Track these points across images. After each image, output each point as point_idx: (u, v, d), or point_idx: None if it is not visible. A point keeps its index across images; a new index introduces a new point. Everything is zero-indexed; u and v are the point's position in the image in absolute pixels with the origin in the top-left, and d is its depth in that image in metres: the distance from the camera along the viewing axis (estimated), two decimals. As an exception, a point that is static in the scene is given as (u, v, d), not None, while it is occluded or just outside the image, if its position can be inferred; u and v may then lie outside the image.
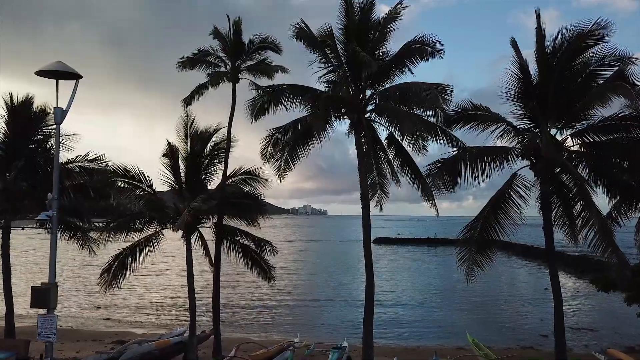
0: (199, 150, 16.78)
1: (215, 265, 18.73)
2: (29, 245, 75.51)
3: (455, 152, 15.48)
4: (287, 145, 16.23)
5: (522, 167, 14.33)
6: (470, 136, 15.58)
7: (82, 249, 19.47)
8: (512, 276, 54.86)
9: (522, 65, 13.91)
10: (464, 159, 14.20)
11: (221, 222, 18.40)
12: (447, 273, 53.93)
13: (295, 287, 43.06)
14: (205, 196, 15.26)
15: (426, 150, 14.23)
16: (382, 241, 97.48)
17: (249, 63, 20.99)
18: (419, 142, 14.23)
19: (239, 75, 20.87)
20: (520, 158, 14.51)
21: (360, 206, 16.47)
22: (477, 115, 15.44)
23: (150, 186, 16.15)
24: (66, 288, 41.20)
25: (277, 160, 16.51)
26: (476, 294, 39.76)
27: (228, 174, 17.76)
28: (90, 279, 45.46)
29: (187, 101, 20.76)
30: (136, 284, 43.77)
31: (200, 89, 20.79)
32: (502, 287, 46.19)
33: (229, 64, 20.86)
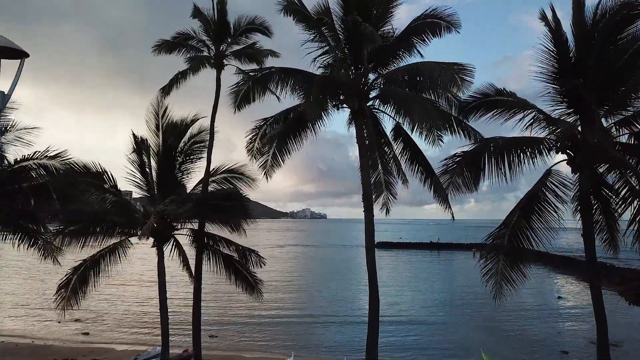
0: (173, 145, 14.41)
1: (196, 278, 16.36)
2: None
3: (476, 144, 13.16)
4: (275, 137, 13.80)
5: (557, 162, 11.98)
6: (489, 127, 13.32)
7: (44, 258, 17.09)
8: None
9: (559, 35, 11.58)
10: (488, 151, 11.83)
11: (202, 228, 16.06)
12: (452, 280, 51.59)
13: (290, 300, 39.93)
14: (176, 197, 12.90)
15: (442, 141, 11.90)
16: (383, 245, 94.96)
17: (235, 48, 18.71)
18: (433, 132, 11.85)
19: (224, 61, 18.59)
20: (554, 151, 12.16)
21: (363, 209, 14.12)
22: (499, 101, 13.10)
23: (115, 186, 13.77)
24: (47, 298, 38.71)
25: (263, 155, 14.08)
26: (482, 303, 37.47)
27: (212, 172, 15.39)
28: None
29: (166, 91, 18.45)
30: (123, 293, 41.36)
31: (180, 77, 18.47)
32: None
33: (212, 48, 18.58)
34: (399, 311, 34.19)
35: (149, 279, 48.90)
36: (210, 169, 15.51)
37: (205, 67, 17.88)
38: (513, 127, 12.70)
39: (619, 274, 47.88)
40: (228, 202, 14.43)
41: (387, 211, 11.89)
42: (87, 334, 29.57)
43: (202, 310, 30.80)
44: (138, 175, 13.95)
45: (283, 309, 35.34)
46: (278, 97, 17.82)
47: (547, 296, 41.42)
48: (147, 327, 30.51)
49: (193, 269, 16.05)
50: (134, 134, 13.60)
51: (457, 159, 11.95)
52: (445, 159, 11.99)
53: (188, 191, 15.39)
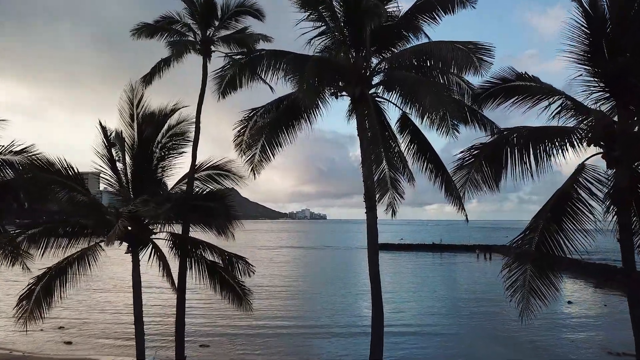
0: (150, 137, 12.82)
1: (179, 288, 14.82)
2: None
3: (493, 136, 11.61)
4: (265, 127, 12.20)
5: (591, 156, 10.39)
6: (506, 118, 11.74)
7: (12, 265, 15.50)
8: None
9: (594, 7, 10.01)
10: (511, 143, 10.25)
11: (187, 231, 14.49)
12: (457, 284, 49.82)
13: (288, 307, 37.44)
14: (150, 196, 11.31)
15: (457, 131, 10.33)
16: (384, 247, 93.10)
17: (224, 33, 17.16)
18: (447, 121, 10.27)
19: (212, 47, 17.03)
20: (586, 143, 10.58)
21: (365, 210, 12.55)
22: (520, 87, 11.57)
23: (82, 184, 12.17)
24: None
25: (250, 147, 12.48)
26: (489, 309, 35.86)
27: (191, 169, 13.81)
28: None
29: (147, 80, 16.89)
30: (114, 299, 39.58)
31: (163, 65, 16.92)
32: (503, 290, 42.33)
33: (199, 33, 17.03)
34: (404, 320, 32.07)
35: (147, 280, 47.17)
36: (196, 165, 13.94)
37: (189, 52, 16.32)
38: (538, 116, 11.18)
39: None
40: (211, 203, 12.81)
41: (394, 212, 10.33)
42: (69, 343, 27.92)
43: (192, 317, 28.96)
44: (109, 171, 12.36)
45: (280, 317, 33.19)
46: (271, 87, 16.35)
47: (557, 301, 39.73)
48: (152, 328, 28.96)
49: (175, 277, 14.49)
50: (101, 125, 11.99)
51: (475, 152, 10.35)
52: (461, 152, 10.40)
53: (169, 189, 13.82)
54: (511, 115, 11.36)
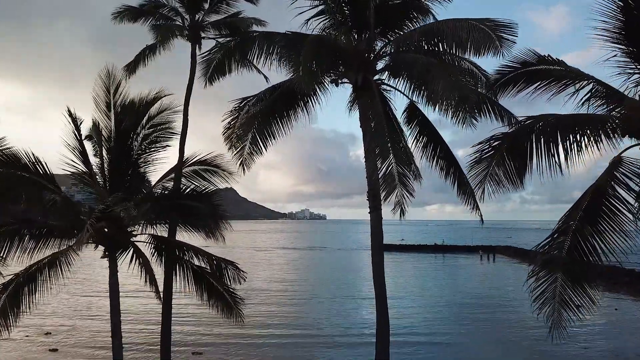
0: (129, 129, 11.59)
1: (165, 299, 13.65)
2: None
3: (511, 127, 10.41)
4: (257, 116, 10.96)
5: (629, 148, 9.17)
6: (525, 106, 10.52)
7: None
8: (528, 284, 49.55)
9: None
10: (536, 133, 9.03)
11: (173, 234, 13.28)
12: (463, 287, 48.20)
13: (285, 314, 35.01)
14: (123, 194, 10.09)
15: (475, 119, 9.12)
16: (384, 248, 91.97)
17: (214, 17, 16.00)
18: (464, 108, 9.06)
19: (201, 33, 15.86)
20: (621, 134, 9.37)
21: (368, 210, 11.34)
22: (544, 71, 10.38)
23: (52, 180, 10.95)
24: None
25: (240, 139, 11.24)
26: (498, 314, 34.61)
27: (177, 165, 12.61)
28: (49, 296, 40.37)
29: (131, 69, 15.76)
30: (104, 304, 38.08)
31: (148, 52, 15.76)
32: (518, 295, 40.89)
33: (187, 17, 15.86)
34: (411, 327, 30.08)
35: (134, 288, 45.90)
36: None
37: (176, 37, 15.16)
38: (564, 104, 9.97)
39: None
40: (196, 202, 11.59)
41: (402, 212, 9.14)
42: (55, 350, 26.68)
43: (184, 323, 27.62)
44: (81, 166, 11.11)
45: (278, 324, 31.33)
46: (266, 77, 15.22)
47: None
48: (126, 343, 27.63)
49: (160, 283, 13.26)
50: (70, 113, 10.71)
51: (495, 144, 9.13)
52: (479, 144, 9.16)
53: (152, 186, 12.61)
54: (531, 105, 10.13)
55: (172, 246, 11.93)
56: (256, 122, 10.94)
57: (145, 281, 12.61)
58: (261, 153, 11.43)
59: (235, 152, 11.32)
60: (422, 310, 36.04)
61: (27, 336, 29.01)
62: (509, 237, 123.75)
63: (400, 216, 9.36)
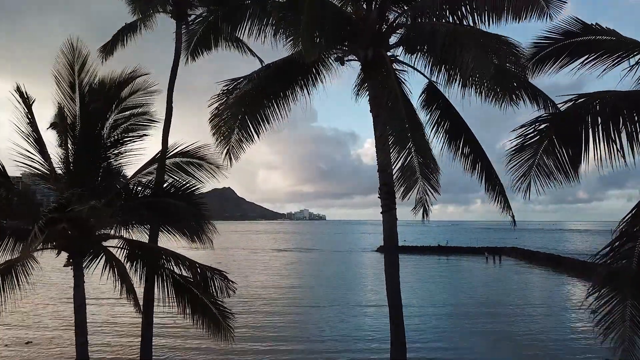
0: (98, 114, 9.94)
1: (145, 313, 12.01)
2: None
3: (549, 113, 8.76)
4: (247, 96, 9.26)
5: None
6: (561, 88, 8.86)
7: None
8: (539, 288, 47.89)
9: None
10: (592, 113, 7.39)
11: (155, 237, 11.62)
12: (474, 292, 45.57)
13: (284, 324, 31.70)
14: (81, 191, 8.45)
15: (518, 98, 7.50)
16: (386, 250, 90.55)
17: (204, -8, 14.31)
18: (504, 82, 7.43)
19: (187, 10, 14.20)
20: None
21: (381, 209, 9.68)
22: (593, 43, 8.79)
23: (4, 175, 9.30)
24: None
25: (226, 121, 9.55)
26: (513, 324, 32.55)
27: (155, 156, 10.96)
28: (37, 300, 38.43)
29: (108, 50, 14.13)
30: (97, 311, 36.06)
31: (127, 31, 14.12)
32: (531, 301, 39.19)
33: (172, -8, 14.20)
34: (431, 342, 26.56)
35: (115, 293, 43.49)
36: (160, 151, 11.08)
37: (158, 12, 13.51)
38: (619, 81, 8.32)
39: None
40: (178, 200, 9.93)
41: (426, 212, 7.51)
42: (32, 361, 25.06)
43: (167, 335, 25.75)
44: (37, 157, 9.45)
45: (277, 337, 28.14)
46: (260, 60, 13.62)
47: (580, 309, 36.49)
48: (111, 354, 25.94)
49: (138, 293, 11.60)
50: (20, 91, 9.01)
51: (542, 127, 7.49)
52: (521, 127, 7.52)
53: (127, 181, 10.96)
54: (572, 85, 8.54)
55: (148, 252, 10.26)
56: (246, 102, 9.25)
57: (121, 293, 10.97)
58: (252, 140, 9.71)
59: (220, 140, 9.62)
60: (437, 322, 32.77)
61: (6, 345, 27.56)
62: (515, 238, 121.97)
63: (423, 216, 7.73)
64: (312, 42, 7.51)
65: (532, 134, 7.49)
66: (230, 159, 9.65)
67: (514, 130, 7.51)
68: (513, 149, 7.62)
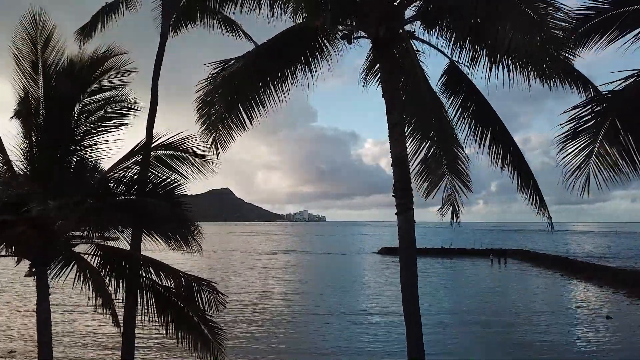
0: (66, 99, 8.61)
1: (125, 333, 10.67)
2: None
3: (590, 99, 7.44)
4: (237, 75, 7.89)
5: None
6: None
7: None
8: (549, 293, 46.52)
9: None
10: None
11: (138, 241, 10.27)
12: (481, 296, 44.14)
13: (279, 335, 29.45)
14: (39, 189, 7.13)
15: (564, 79, 6.20)
16: (388, 252, 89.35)
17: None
18: (545, 59, 6.11)
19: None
20: None
21: (395, 210, 8.34)
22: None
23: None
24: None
25: (212, 104, 8.19)
26: (525, 327, 31.35)
27: (135, 148, 9.62)
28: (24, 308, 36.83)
29: (86, 33, 12.84)
30: (76, 318, 34.41)
31: (107, 11, 12.83)
32: (543, 308, 37.78)
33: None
34: (444, 353, 24.86)
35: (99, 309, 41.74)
36: (140, 143, 9.74)
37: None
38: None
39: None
40: (156, 198, 8.60)
41: (456, 213, 6.23)
42: (14, 371, 23.81)
43: (152, 347, 24.34)
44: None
45: (271, 350, 25.85)
46: (255, 43, 12.28)
47: (596, 316, 35.23)
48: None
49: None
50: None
51: (599, 108, 6.17)
52: (573, 108, 6.20)
53: (104, 177, 9.62)
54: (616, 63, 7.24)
55: (125, 260, 8.91)
56: (237, 82, 7.88)
57: (95, 307, 9.61)
58: (243, 127, 8.31)
59: (206, 126, 8.25)
60: (452, 330, 30.84)
61: (-12, 356, 26.34)
62: (519, 239, 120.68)
63: (453, 217, 6.40)
64: (316, 7, 6.19)
65: (588, 116, 6.16)
66: (217, 149, 8.31)
67: (565, 112, 6.17)
68: (564, 135, 6.29)
